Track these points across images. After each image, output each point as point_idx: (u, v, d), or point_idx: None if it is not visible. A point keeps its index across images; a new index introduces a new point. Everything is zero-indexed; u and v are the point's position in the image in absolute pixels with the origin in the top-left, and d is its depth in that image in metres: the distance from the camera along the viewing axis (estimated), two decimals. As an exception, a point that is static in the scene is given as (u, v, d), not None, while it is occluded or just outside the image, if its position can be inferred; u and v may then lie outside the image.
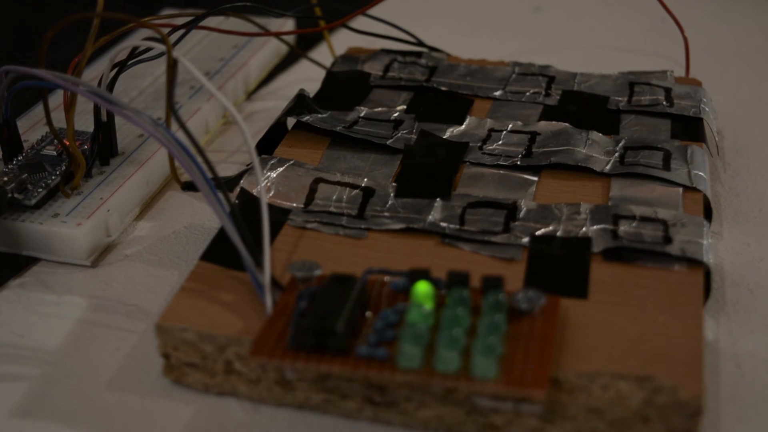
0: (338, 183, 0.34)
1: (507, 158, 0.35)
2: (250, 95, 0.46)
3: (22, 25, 0.54)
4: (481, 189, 0.34)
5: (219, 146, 0.42)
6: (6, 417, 0.27)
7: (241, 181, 0.34)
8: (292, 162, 0.35)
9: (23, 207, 0.34)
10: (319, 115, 0.38)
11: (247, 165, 0.37)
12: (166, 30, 0.35)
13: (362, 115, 0.39)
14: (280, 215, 0.32)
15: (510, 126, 0.38)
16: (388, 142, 0.37)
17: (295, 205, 0.33)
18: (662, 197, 0.33)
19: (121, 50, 0.33)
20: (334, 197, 0.33)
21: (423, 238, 0.32)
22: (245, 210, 0.31)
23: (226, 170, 0.39)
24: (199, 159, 0.29)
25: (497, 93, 0.40)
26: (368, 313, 0.27)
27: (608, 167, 0.35)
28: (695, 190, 0.34)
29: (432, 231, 0.32)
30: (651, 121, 0.38)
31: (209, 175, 0.28)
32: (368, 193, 0.33)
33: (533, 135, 0.37)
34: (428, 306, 0.27)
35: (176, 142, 0.29)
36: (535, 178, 0.35)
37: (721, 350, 0.29)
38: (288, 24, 0.50)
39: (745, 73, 0.48)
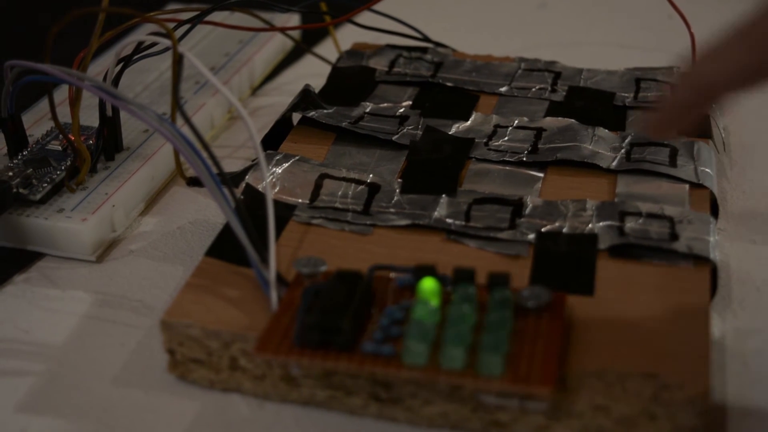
0: (344, 179, 0.34)
1: (513, 154, 0.35)
2: (255, 90, 0.46)
3: (28, 20, 0.54)
4: (487, 185, 0.34)
5: (224, 141, 0.42)
6: (11, 412, 0.27)
7: (247, 177, 0.34)
8: (297, 158, 0.35)
9: (28, 202, 0.34)
10: (325, 111, 0.38)
11: (253, 160, 0.37)
12: (171, 25, 0.34)
13: (368, 110, 0.38)
14: (285, 211, 0.32)
15: (516, 122, 0.37)
16: (394, 137, 0.36)
17: (300, 200, 0.33)
18: (669, 194, 0.33)
19: (126, 45, 0.33)
20: (340, 193, 0.33)
21: (429, 234, 0.31)
22: (250, 206, 0.31)
23: (231, 165, 0.39)
24: (204, 154, 0.29)
25: (503, 89, 0.40)
26: (374, 310, 0.27)
27: (614, 164, 0.35)
28: (702, 186, 0.33)
29: (438, 227, 0.32)
30: (657, 118, 0.38)
31: (214, 170, 0.28)
32: (374, 189, 0.33)
33: (539, 131, 0.37)
34: (434, 302, 0.27)
35: (181, 138, 0.29)
36: (541, 175, 0.34)
37: (728, 348, 0.29)
38: (293, 19, 0.50)
39: (751, 70, 0.48)
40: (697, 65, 0.26)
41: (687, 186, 0.33)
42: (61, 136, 0.36)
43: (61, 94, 0.40)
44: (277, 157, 0.35)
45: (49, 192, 0.34)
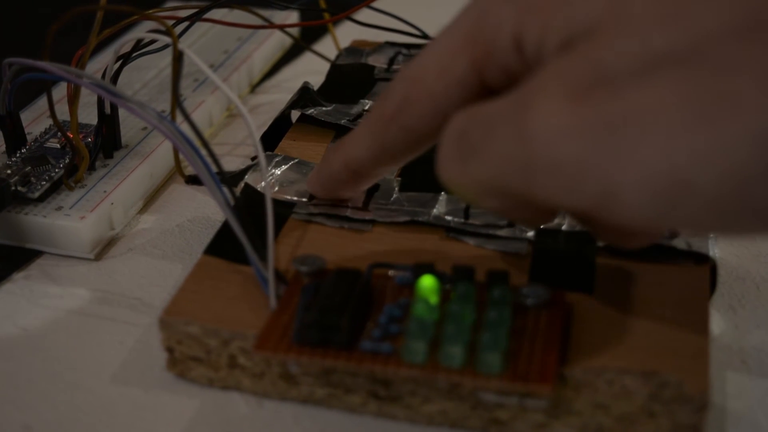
0: (343, 176, 0.34)
1: (512, 152, 0.35)
2: (254, 88, 0.46)
3: (26, 17, 0.54)
4: (486, 183, 0.34)
5: (223, 139, 0.42)
6: (10, 411, 0.27)
7: (245, 177, 0.34)
8: (296, 161, 0.35)
9: (27, 200, 0.34)
10: (324, 108, 0.38)
11: (252, 159, 0.37)
12: (170, 22, 0.34)
13: (367, 108, 0.38)
14: (284, 209, 0.32)
15: (515, 119, 0.37)
16: (393, 135, 0.36)
17: (299, 198, 0.33)
18: (668, 191, 0.33)
19: (125, 42, 0.33)
20: (339, 191, 0.33)
21: (428, 231, 0.31)
22: (249, 203, 0.31)
23: (230, 163, 0.39)
24: (204, 152, 0.28)
25: (502, 86, 0.40)
26: (373, 308, 0.27)
27: (614, 161, 0.35)
28: (701, 184, 0.33)
29: (437, 225, 0.31)
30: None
31: (213, 168, 0.28)
32: (373, 186, 0.33)
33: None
34: (433, 300, 0.27)
35: (180, 135, 0.28)
36: (541, 172, 0.34)
37: (727, 345, 0.29)
38: (292, 16, 0.50)
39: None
40: (337, 146, 0.29)
41: (686, 183, 0.33)
42: (59, 133, 0.36)
43: (60, 91, 0.40)
44: (276, 159, 0.35)
45: (48, 190, 0.34)
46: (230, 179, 0.33)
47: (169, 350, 0.28)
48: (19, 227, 0.33)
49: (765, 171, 0.19)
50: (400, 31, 0.45)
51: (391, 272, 0.28)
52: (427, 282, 0.27)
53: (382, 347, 0.25)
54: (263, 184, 0.29)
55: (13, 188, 0.33)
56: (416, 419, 0.27)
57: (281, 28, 0.45)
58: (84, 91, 0.35)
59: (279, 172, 0.34)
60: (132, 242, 0.35)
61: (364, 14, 0.45)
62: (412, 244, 0.31)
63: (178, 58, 0.30)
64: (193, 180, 0.37)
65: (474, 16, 0.25)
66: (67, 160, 0.35)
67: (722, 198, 0.19)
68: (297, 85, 0.40)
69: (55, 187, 0.34)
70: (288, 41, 0.49)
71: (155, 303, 0.31)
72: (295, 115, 0.39)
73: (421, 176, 0.34)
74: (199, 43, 0.47)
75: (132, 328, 0.30)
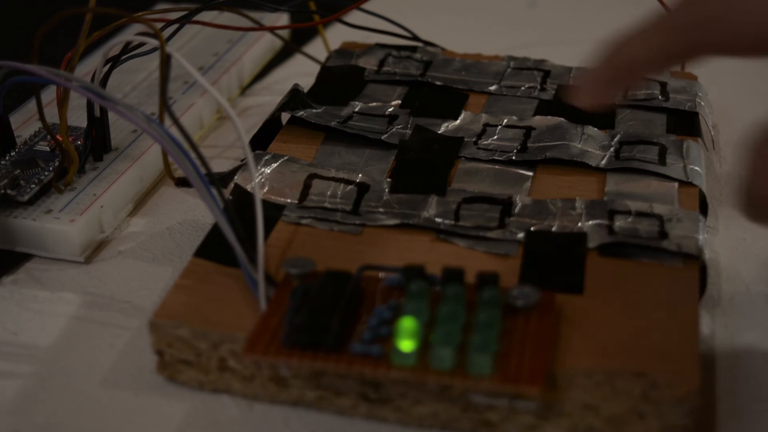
0: (333, 179, 0.34)
1: (502, 153, 0.35)
2: (245, 90, 0.46)
3: (15, 20, 0.54)
4: (476, 184, 0.34)
5: (213, 141, 0.41)
6: (-1, 415, 0.27)
7: (235, 177, 0.34)
8: (286, 158, 0.35)
9: (16, 203, 0.34)
10: (314, 110, 0.38)
11: (241, 161, 0.37)
12: (159, 25, 0.34)
13: (357, 110, 0.38)
14: (274, 211, 0.32)
15: (505, 121, 0.37)
16: (383, 137, 0.36)
17: (289, 201, 0.33)
18: (658, 192, 0.33)
19: (114, 45, 0.33)
20: (329, 193, 0.33)
21: (418, 233, 0.31)
22: (239, 206, 0.31)
23: (220, 166, 0.39)
24: (193, 155, 0.28)
25: (492, 88, 0.40)
26: (363, 310, 0.27)
27: (603, 162, 0.35)
28: (691, 184, 0.33)
29: (427, 227, 0.31)
30: (646, 116, 0.38)
31: (203, 170, 0.28)
32: (363, 188, 0.33)
33: (528, 130, 0.37)
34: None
35: (170, 138, 0.28)
36: (531, 173, 0.34)
37: (717, 346, 0.29)
38: (282, 18, 0.50)
39: (740, 67, 0.48)
40: (620, 45, 0.28)
41: (676, 184, 0.33)
42: (49, 136, 0.36)
43: (49, 94, 0.40)
44: (266, 157, 0.35)
45: (37, 193, 0.34)
46: (219, 180, 0.33)
47: (159, 353, 0.28)
48: (8, 230, 0.33)
49: None
50: (390, 32, 0.45)
51: (381, 274, 0.28)
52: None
53: (372, 349, 0.25)
54: (253, 184, 0.29)
55: (2, 191, 0.33)
56: (406, 421, 0.27)
57: (271, 30, 0.45)
58: (73, 94, 0.35)
59: (269, 171, 0.34)
60: (122, 245, 0.35)
61: (354, 16, 0.45)
62: (402, 245, 0.31)
63: (165, 61, 0.30)
64: (183, 182, 0.37)
65: None
66: (56, 163, 0.35)
67: None
68: (287, 87, 0.40)
69: (45, 190, 0.34)
70: (278, 43, 0.49)
71: (145, 306, 0.31)
72: (285, 117, 0.39)
73: (412, 178, 0.34)
74: (189, 45, 0.47)
75: (122, 332, 0.30)
